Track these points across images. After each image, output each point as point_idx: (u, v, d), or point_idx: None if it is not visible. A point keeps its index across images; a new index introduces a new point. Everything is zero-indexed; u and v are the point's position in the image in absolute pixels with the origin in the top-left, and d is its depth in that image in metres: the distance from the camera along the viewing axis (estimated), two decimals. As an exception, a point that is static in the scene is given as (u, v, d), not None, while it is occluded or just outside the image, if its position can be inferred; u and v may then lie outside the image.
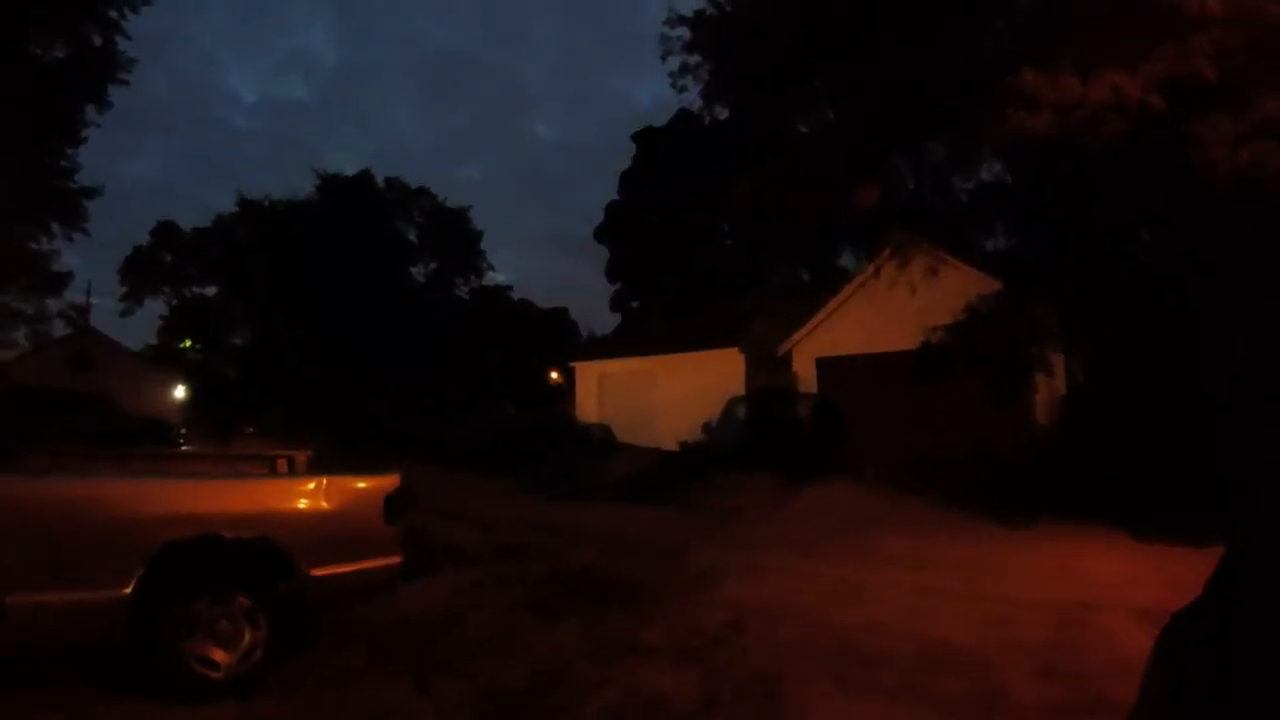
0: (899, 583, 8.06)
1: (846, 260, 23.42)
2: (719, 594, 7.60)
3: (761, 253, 27.93)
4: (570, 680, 5.28)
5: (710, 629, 6.40)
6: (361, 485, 5.51)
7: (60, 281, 28.35)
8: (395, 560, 5.53)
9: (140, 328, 54.81)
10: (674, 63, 15.75)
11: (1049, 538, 10.36)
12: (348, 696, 5.01)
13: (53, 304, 29.69)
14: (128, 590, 4.57)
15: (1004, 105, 10.16)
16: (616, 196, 40.14)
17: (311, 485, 5.38)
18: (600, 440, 23.09)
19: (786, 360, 20.90)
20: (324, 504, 5.30)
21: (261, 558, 5.04)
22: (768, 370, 21.67)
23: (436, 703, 4.94)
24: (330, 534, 5.30)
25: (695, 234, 34.87)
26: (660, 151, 36.78)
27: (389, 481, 5.55)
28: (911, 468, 14.36)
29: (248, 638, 5.00)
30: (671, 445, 20.88)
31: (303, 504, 5.26)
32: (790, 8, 14.45)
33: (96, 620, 4.60)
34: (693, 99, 16.88)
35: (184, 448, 17.01)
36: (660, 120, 37.75)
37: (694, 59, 15.69)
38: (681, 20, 15.59)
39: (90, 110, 20.20)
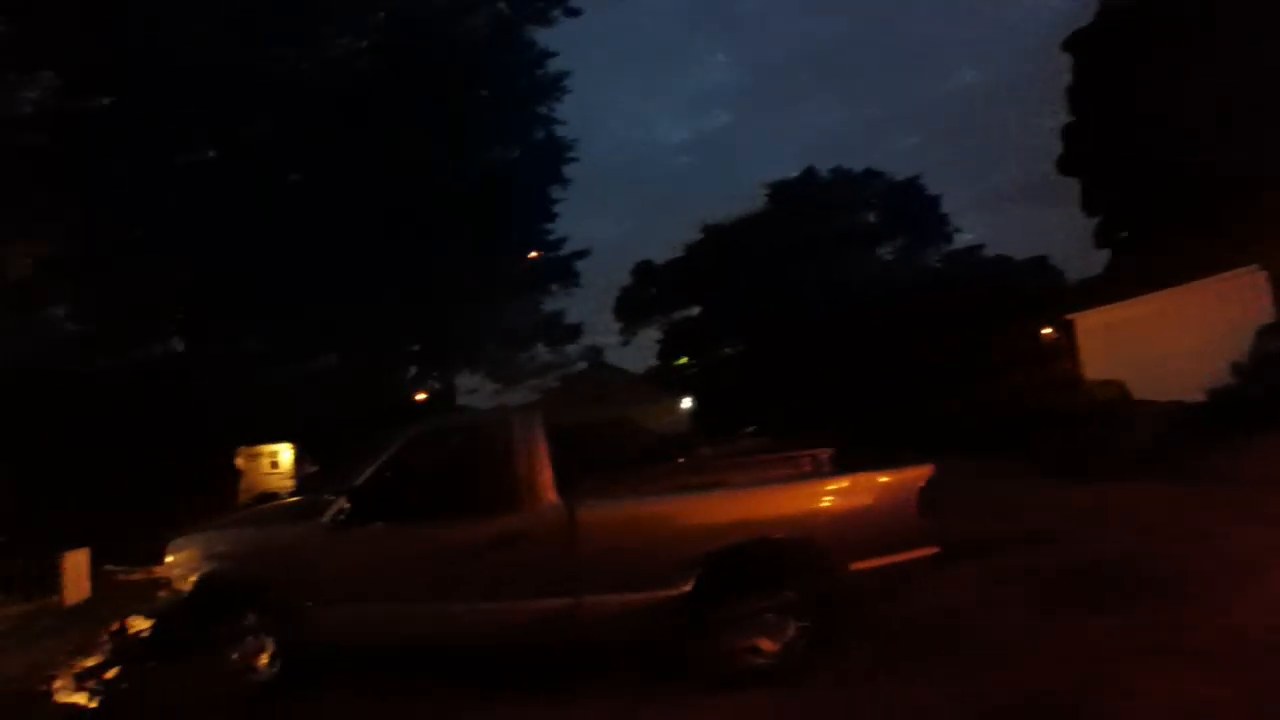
0: None
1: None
2: (1270, 588, 6.49)
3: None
4: (1104, 684, 4.88)
5: (1260, 630, 5.51)
6: (894, 479, 5.66)
7: (574, 332, 35.34)
8: (931, 552, 5.59)
9: (640, 354, 61.66)
10: None
11: None
12: (875, 692, 5.19)
13: (572, 350, 38.00)
14: (688, 588, 5.36)
15: None
16: (1070, 118, 35.74)
17: (847, 483, 5.68)
18: (1112, 400, 20.91)
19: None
20: (860, 500, 5.55)
21: (805, 555, 5.46)
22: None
23: (960, 702, 4.87)
24: (868, 529, 5.51)
25: (1181, 134, 29.72)
26: (1100, 53, 32.10)
27: (921, 473, 5.62)
28: None
29: (792, 630, 5.47)
30: (1198, 395, 18.05)
31: (840, 501, 5.56)
32: None
33: (661, 616, 5.43)
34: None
35: (711, 454, 18.82)
36: (1084, 19, 33.09)
37: None
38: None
39: (555, 189, 24.13)
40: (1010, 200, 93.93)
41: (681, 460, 13.68)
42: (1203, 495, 10.93)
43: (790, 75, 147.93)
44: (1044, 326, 33.60)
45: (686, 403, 49.91)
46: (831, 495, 5.64)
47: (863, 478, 5.64)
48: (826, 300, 39.42)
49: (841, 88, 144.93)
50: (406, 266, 19.94)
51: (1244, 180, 23.68)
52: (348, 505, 5.89)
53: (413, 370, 29.25)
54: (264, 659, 6.07)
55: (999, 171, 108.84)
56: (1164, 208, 29.06)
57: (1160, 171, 29.88)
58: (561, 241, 26.31)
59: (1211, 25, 17.66)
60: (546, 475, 5.71)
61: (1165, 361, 20.39)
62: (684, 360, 54.79)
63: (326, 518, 5.99)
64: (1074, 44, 34.11)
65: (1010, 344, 33.12)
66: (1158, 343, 21.24)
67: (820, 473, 6.80)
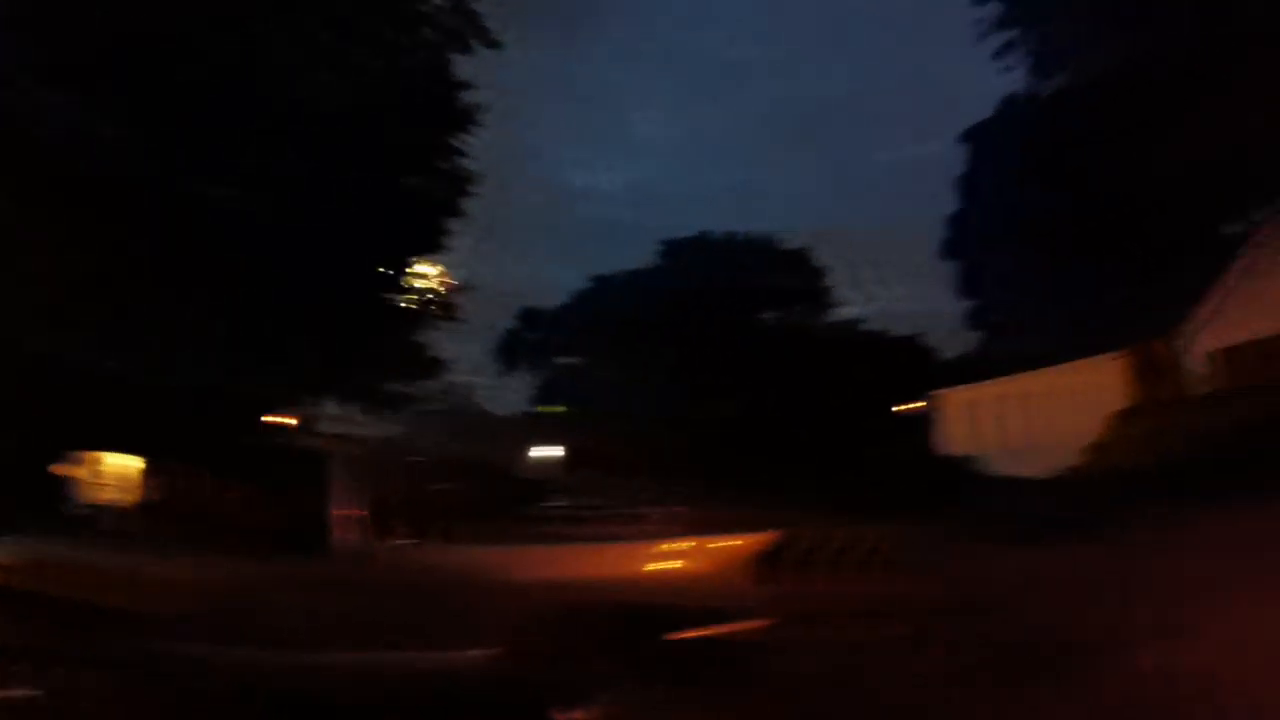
0: None
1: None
2: (1133, 659, 6.39)
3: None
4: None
5: (1121, 700, 5.52)
6: (730, 545, 5.44)
7: (438, 366, 34.10)
8: (766, 624, 5.32)
9: (516, 398, 60.76)
10: (993, 42, 14.49)
11: None
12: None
13: (433, 385, 35.88)
14: (498, 651, 5.13)
15: None
16: (960, 206, 37.53)
17: (683, 547, 5.47)
18: (972, 474, 21.62)
19: (1177, 359, 18.30)
20: (691, 566, 5.34)
21: (623, 622, 5.27)
22: (1157, 374, 19.10)
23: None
24: (694, 595, 5.28)
25: (1051, 230, 31.54)
26: (994, 147, 33.99)
27: (761, 540, 5.44)
28: None
29: (606, 698, 5.10)
30: (1048, 473, 18.86)
31: (671, 566, 5.28)
32: None
33: (471, 678, 5.10)
34: (1018, 81, 15.59)
35: (562, 505, 18.43)
36: (986, 111, 34.95)
37: (1014, 33, 14.41)
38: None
39: (450, 222, 23.61)
40: (901, 278, 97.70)
41: (529, 508, 13.23)
42: (1072, 563, 11.13)
43: (726, 136, 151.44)
44: (910, 401, 34.64)
45: (559, 451, 49.25)
46: (662, 559, 5.33)
47: (697, 542, 5.34)
48: (703, 358, 39.81)
49: (760, 154, 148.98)
50: (278, 283, 19.03)
51: (1109, 282, 25.15)
52: (141, 522, 5.21)
53: (277, 392, 27.96)
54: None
55: (895, 248, 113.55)
56: (1034, 300, 30.61)
57: (1031, 267, 31.58)
58: (445, 275, 25.79)
59: (1110, 127, 18.62)
60: (353, 515, 5.15)
61: (1023, 439, 21.26)
62: (561, 408, 54.25)
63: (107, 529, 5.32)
64: (971, 135, 35.90)
65: (876, 416, 34.04)
66: (1017, 422, 22.13)
67: (662, 532, 6.54)
